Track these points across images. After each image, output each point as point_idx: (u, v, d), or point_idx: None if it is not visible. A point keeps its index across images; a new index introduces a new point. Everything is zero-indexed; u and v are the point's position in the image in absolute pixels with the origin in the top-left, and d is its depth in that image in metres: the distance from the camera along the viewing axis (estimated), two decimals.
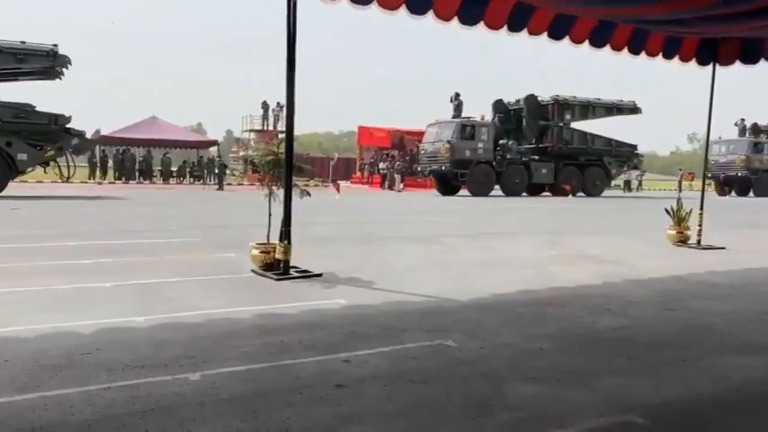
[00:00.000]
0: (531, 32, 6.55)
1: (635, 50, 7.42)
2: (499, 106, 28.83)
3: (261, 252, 6.03)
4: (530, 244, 9.10)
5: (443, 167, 25.60)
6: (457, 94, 26.99)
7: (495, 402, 2.84)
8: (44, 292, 5.02)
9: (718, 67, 8.26)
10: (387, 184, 31.32)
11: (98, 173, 34.51)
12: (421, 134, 29.71)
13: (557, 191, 27.51)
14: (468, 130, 25.69)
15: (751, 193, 31.95)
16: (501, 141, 26.39)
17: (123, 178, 34.09)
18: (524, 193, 26.85)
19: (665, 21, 6.63)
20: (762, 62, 7.91)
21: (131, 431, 2.44)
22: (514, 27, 6.41)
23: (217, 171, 32.40)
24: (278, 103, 37.38)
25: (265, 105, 38.99)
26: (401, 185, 30.94)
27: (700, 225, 8.93)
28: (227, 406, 2.72)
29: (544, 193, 27.64)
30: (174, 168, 38.23)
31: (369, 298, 5.06)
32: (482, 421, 2.62)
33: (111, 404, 2.70)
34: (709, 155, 32.78)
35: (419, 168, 28.14)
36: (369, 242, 9.00)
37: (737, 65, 8.15)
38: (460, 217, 14.74)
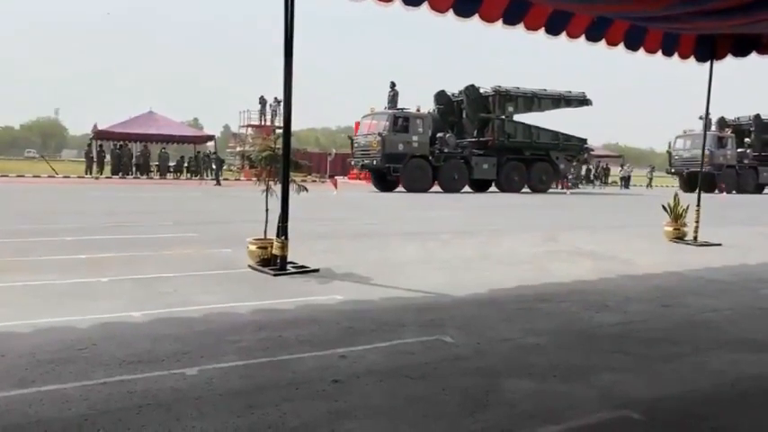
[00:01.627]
0: (528, 28, 6.53)
1: (632, 47, 7.40)
2: (441, 97, 27.26)
3: (258, 247, 6.02)
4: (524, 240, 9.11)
5: (375, 162, 24.04)
6: (393, 84, 25.30)
7: (492, 398, 2.84)
8: (41, 287, 5.01)
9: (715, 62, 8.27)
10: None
11: (95, 168, 34.43)
12: None
13: (505, 186, 26.09)
14: (401, 123, 24.06)
15: (716, 190, 30.97)
16: (438, 134, 24.95)
17: (120, 173, 34.02)
18: (471, 189, 25.65)
19: (655, 17, 6.62)
20: (753, 54, 7.90)
21: (128, 426, 2.44)
22: (510, 21, 6.38)
23: (214, 166, 32.34)
24: (275, 98, 37.35)
25: (263, 100, 38.93)
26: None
27: (696, 222, 8.94)
28: (223, 401, 2.72)
29: (491, 189, 26.42)
30: (171, 164, 38.19)
31: (365, 293, 5.06)
32: (478, 417, 2.62)
33: (108, 399, 2.70)
34: (673, 149, 32.68)
35: (353, 162, 26.64)
36: (365, 238, 9.00)
37: (729, 58, 8.14)
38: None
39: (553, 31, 6.70)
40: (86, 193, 18.61)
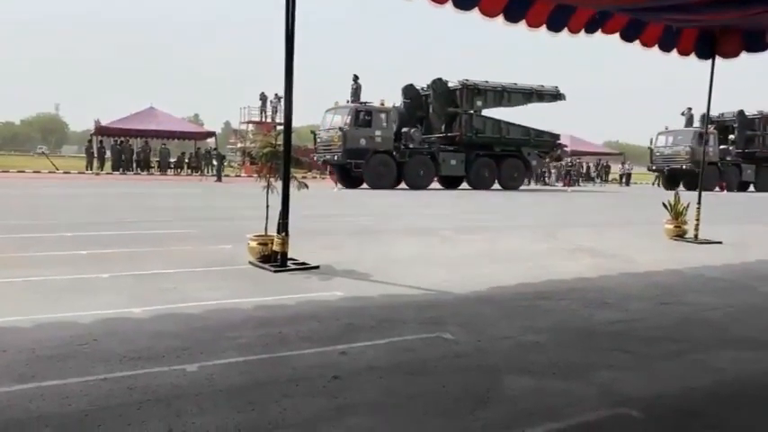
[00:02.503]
0: (530, 25, 6.52)
1: (629, 38, 7.33)
2: (409, 91, 26.13)
3: (258, 244, 6.03)
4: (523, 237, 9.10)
5: (336, 157, 23.31)
6: (355, 77, 24.27)
7: (492, 395, 2.85)
8: (41, 282, 5.01)
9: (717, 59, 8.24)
10: None
11: (95, 164, 34.45)
12: None
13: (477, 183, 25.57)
14: (363, 117, 23.29)
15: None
16: (404, 129, 24.19)
17: (121, 169, 34.03)
18: (441, 186, 25.17)
19: (659, 7, 6.60)
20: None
21: (128, 422, 2.44)
22: (512, 18, 6.36)
23: (215, 162, 32.34)
24: (276, 95, 37.33)
25: (263, 97, 38.93)
26: None
27: (697, 219, 8.94)
28: (223, 397, 2.72)
29: (462, 186, 25.78)
30: (171, 160, 38.20)
31: (366, 290, 5.07)
32: (479, 414, 2.62)
33: (109, 395, 2.70)
34: (654, 146, 32.26)
35: (315, 158, 25.98)
36: (366, 234, 9.00)
37: (743, 55, 8.09)
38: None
39: (554, 27, 6.69)
40: (86, 189, 18.61)
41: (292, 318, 4.12)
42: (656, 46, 7.63)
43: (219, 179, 29.04)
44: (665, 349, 3.67)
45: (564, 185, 35.35)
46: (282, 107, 6.10)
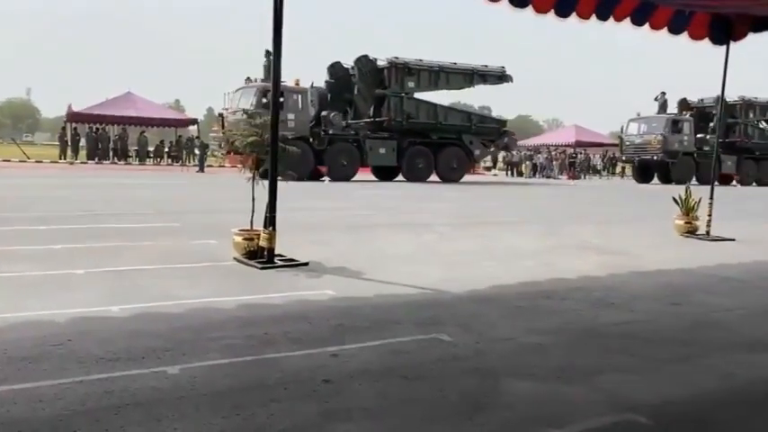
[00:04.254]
0: (537, 10, 6.52)
1: (638, 22, 7.36)
2: (336, 70, 24.04)
3: (244, 239, 6.02)
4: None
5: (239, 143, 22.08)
6: (268, 53, 21.18)
7: (491, 400, 2.86)
8: (12, 279, 5.00)
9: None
10: None
11: (69, 152, 34.27)
12: None
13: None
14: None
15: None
16: (323, 113, 22.48)
17: (97, 158, 33.88)
18: (376, 177, 24.05)
19: None
20: None
21: (105, 427, 2.45)
22: (517, 3, 6.37)
23: (197, 152, 32.23)
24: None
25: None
26: None
27: (709, 215, 8.99)
28: (207, 401, 2.73)
29: (398, 178, 24.48)
30: (150, 148, 38.05)
31: (358, 289, 5.08)
32: (477, 420, 2.64)
33: (85, 399, 2.70)
34: (625, 135, 31.25)
35: (221, 144, 23.65)
36: (357, 229, 9.01)
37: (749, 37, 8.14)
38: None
39: (562, 12, 6.70)
40: (60, 180, 18.53)
41: (280, 318, 4.13)
42: (666, 29, 7.64)
43: (202, 169, 28.96)
44: (673, 352, 3.70)
45: (568, 179, 35.42)
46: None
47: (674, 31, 7.72)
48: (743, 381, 3.27)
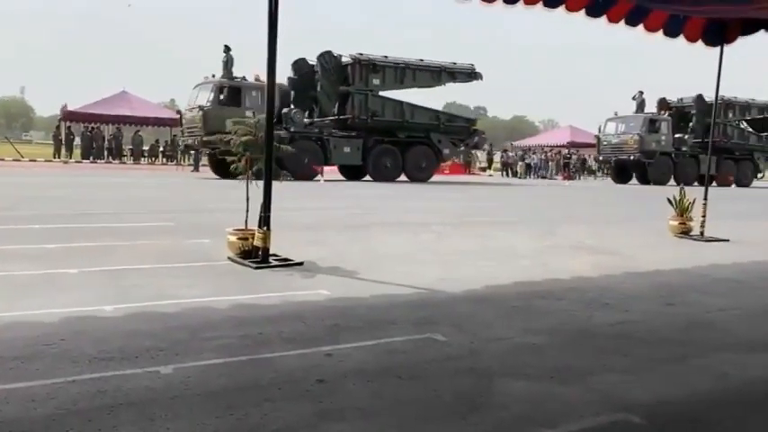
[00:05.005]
0: (526, 3, 6.52)
1: (633, 23, 7.36)
2: (300, 67, 23.51)
3: (238, 238, 6.01)
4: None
5: (196, 141, 21.33)
6: (227, 48, 22.15)
7: (486, 400, 2.86)
8: (5, 278, 4.98)
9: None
10: None
11: (63, 151, 34.18)
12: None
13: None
14: (228, 94, 21.25)
15: (647, 181, 29.25)
16: (284, 110, 21.69)
17: (91, 157, 33.79)
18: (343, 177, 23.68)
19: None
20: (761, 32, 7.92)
21: (98, 427, 2.43)
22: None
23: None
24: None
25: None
26: None
27: (703, 216, 9.02)
28: (201, 401, 2.72)
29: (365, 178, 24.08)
30: (145, 148, 37.97)
31: (353, 288, 5.07)
32: (471, 420, 2.64)
33: (77, 399, 2.69)
34: (603, 134, 31.09)
35: (179, 142, 23.94)
36: (352, 228, 9.01)
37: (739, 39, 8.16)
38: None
39: (551, 4, 6.69)
40: (55, 179, 18.48)
41: (275, 317, 4.12)
42: (661, 31, 7.65)
43: (197, 169, 28.87)
44: (668, 353, 3.70)
45: (562, 179, 35.47)
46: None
47: (670, 33, 7.74)
48: (738, 381, 3.28)
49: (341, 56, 23.64)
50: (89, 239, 6.92)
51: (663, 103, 31.81)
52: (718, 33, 8.08)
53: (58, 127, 36.18)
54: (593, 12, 6.94)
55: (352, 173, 24.59)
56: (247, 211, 6.10)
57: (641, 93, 30.56)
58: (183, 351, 3.36)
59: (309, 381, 3.00)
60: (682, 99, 32.30)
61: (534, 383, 3.09)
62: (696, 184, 26.59)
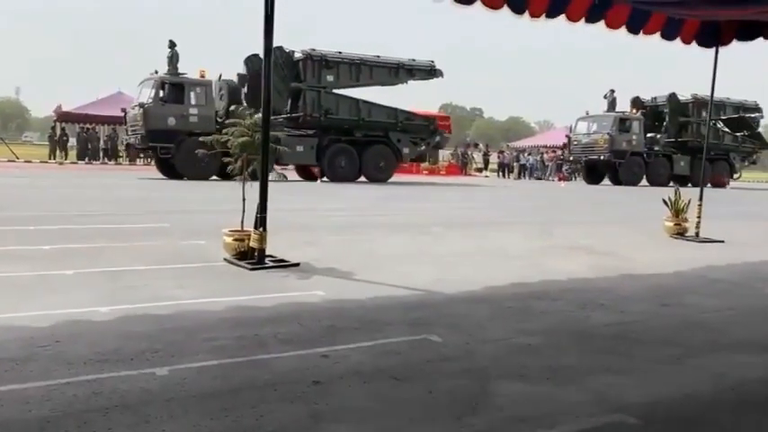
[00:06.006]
0: (532, 15, 6.51)
1: (633, 30, 7.40)
2: (252, 63, 21.90)
3: (234, 240, 6.00)
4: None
5: (137, 139, 20.63)
6: (172, 44, 21.02)
7: (481, 401, 2.86)
8: (0, 279, 4.96)
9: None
10: None
11: (58, 152, 34.09)
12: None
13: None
14: (170, 91, 20.28)
15: (619, 181, 28.85)
16: (231, 107, 19.69)
17: (87, 159, 33.71)
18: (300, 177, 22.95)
19: (663, 2, 6.67)
20: (759, 40, 7.96)
21: (93, 429, 2.43)
22: (516, 8, 6.36)
23: None
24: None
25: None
26: None
27: (698, 216, 9.03)
28: (196, 403, 2.72)
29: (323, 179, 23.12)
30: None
31: (349, 289, 5.07)
32: (467, 421, 2.64)
33: (72, 400, 2.68)
34: (573, 134, 30.65)
35: (122, 140, 23.12)
36: (348, 230, 9.00)
37: (734, 43, 8.20)
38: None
39: (552, 13, 6.70)
40: (50, 180, 18.43)
41: (270, 318, 4.12)
42: (659, 33, 7.68)
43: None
44: (663, 353, 3.71)
45: (558, 180, 35.50)
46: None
47: (667, 36, 7.78)
48: (733, 381, 3.28)
49: (293, 51, 22.72)
50: (84, 241, 6.88)
51: (636, 102, 31.20)
52: (713, 35, 8.11)
53: (53, 128, 36.08)
54: (593, 18, 6.98)
55: (307, 173, 24.10)
56: (243, 211, 6.10)
57: (612, 91, 29.85)
58: (178, 352, 3.35)
59: (305, 382, 2.99)
60: (656, 98, 31.73)
61: (530, 384, 3.09)
62: (672, 184, 26.19)
